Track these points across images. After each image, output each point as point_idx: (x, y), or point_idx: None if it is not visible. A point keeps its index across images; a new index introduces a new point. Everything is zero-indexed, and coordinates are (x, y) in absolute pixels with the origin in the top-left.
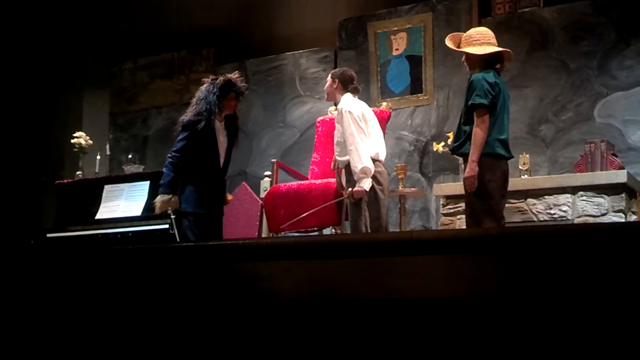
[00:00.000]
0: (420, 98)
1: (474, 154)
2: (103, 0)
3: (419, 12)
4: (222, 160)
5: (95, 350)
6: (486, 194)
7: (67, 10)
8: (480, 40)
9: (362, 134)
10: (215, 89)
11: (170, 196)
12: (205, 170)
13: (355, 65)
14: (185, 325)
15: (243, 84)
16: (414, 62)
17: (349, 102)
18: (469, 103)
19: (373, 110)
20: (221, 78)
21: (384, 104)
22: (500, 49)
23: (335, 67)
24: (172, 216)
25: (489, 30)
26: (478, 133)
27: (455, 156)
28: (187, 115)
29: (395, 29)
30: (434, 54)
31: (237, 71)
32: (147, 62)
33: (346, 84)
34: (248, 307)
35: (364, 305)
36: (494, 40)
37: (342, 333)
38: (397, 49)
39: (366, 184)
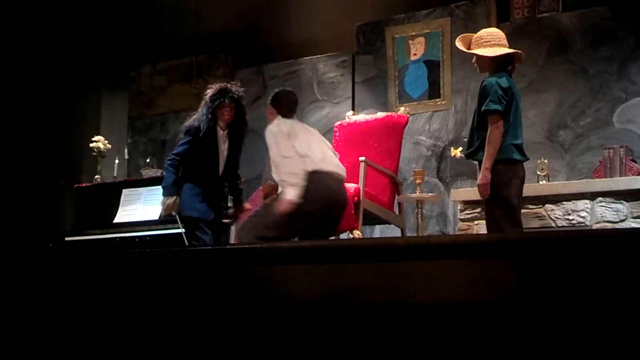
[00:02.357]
0: (438, 103)
1: (487, 161)
2: (122, 5)
3: (437, 17)
4: (221, 168)
5: (113, 352)
6: (505, 201)
7: (86, 14)
8: (490, 42)
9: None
10: (208, 97)
11: (174, 197)
12: (202, 177)
13: (373, 70)
14: (201, 328)
15: (237, 90)
16: (432, 67)
17: (274, 123)
18: (483, 109)
19: (390, 115)
20: (215, 85)
21: (402, 108)
22: (511, 50)
23: (353, 72)
24: (178, 219)
25: (499, 31)
26: (492, 139)
27: (471, 161)
28: (189, 122)
29: (414, 33)
30: (452, 59)
31: (236, 80)
32: (165, 66)
33: (279, 108)
34: (264, 311)
35: (381, 309)
36: (505, 42)
37: (359, 337)
38: (415, 54)
39: (288, 196)
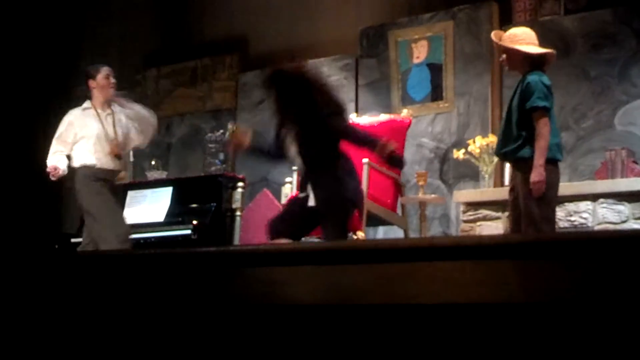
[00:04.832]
0: (441, 106)
1: (540, 158)
2: (127, 9)
3: (440, 20)
4: None
5: (119, 355)
6: (549, 201)
7: (90, 17)
8: (525, 40)
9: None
10: None
11: None
12: None
13: (376, 73)
14: (204, 330)
15: None
16: (435, 70)
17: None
18: (531, 105)
19: (393, 118)
20: None
21: (405, 111)
22: (549, 50)
23: (357, 75)
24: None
25: (531, 30)
26: (544, 135)
27: (506, 160)
28: None
29: (417, 37)
30: (455, 62)
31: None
32: (170, 70)
33: None
34: (266, 313)
35: (383, 311)
36: (537, 42)
37: (361, 339)
38: (418, 57)
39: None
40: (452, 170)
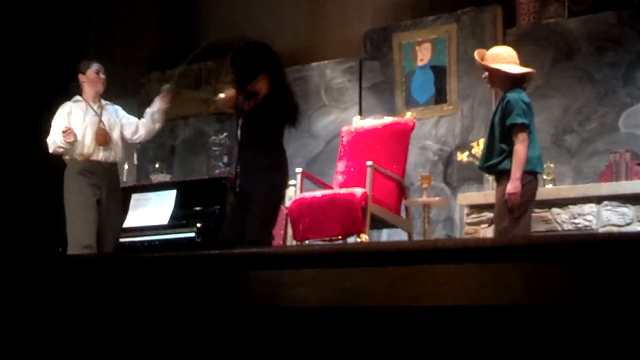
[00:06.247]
0: (445, 108)
1: (517, 171)
2: (132, 13)
3: (443, 23)
4: None
5: (120, 358)
6: (524, 210)
7: (94, 21)
8: (507, 59)
9: None
10: None
11: None
12: None
13: (380, 76)
14: (210, 332)
15: None
16: (439, 72)
17: None
18: (510, 122)
19: (397, 120)
20: None
21: (409, 114)
22: (530, 70)
23: (361, 78)
24: None
25: (513, 49)
26: (521, 151)
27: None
28: None
29: (420, 39)
30: (459, 65)
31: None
32: (174, 73)
33: None
34: (271, 315)
35: (387, 313)
36: (517, 61)
37: (366, 341)
38: (421, 60)
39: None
40: (456, 173)
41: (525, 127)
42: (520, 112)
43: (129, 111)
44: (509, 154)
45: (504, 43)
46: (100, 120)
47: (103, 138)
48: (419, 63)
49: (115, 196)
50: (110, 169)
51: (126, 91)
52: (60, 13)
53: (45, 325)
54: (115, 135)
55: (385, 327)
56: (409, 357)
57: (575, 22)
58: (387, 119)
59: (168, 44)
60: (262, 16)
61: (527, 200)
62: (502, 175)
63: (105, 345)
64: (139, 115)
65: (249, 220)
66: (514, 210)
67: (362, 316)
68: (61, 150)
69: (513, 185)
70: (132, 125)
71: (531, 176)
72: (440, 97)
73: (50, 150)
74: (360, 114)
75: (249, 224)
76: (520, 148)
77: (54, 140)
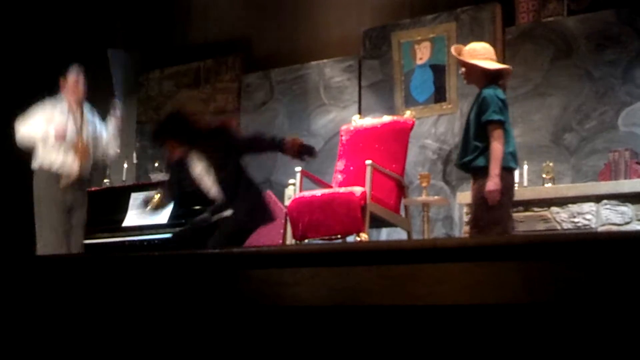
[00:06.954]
0: (444, 107)
1: (496, 168)
2: (130, 10)
3: (442, 21)
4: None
5: (122, 357)
6: (501, 206)
7: (94, 20)
8: (484, 55)
9: None
10: None
11: None
12: None
13: (379, 74)
14: (208, 332)
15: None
16: (438, 71)
17: None
18: (486, 119)
19: (396, 119)
20: None
21: (408, 112)
22: (506, 66)
23: (360, 76)
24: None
25: (490, 46)
26: (498, 147)
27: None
28: None
29: (419, 38)
30: (458, 63)
31: None
32: (173, 71)
33: None
34: (270, 314)
35: (387, 312)
36: (495, 57)
37: (365, 340)
38: (421, 58)
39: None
40: (455, 172)
41: (501, 124)
42: (496, 109)
43: (129, 110)
44: (483, 151)
45: (503, 42)
46: (82, 133)
47: (84, 156)
48: (419, 62)
49: (83, 200)
50: (79, 180)
51: (125, 90)
52: (58, 13)
53: (46, 325)
54: (95, 150)
55: (384, 325)
56: (409, 356)
57: (575, 21)
58: (387, 118)
59: (166, 43)
60: (260, 15)
61: (504, 195)
62: (476, 172)
63: (105, 345)
64: (139, 114)
65: None
66: (491, 206)
67: (362, 315)
68: (36, 146)
69: (492, 183)
70: (101, 148)
71: (505, 172)
72: (439, 95)
73: (21, 140)
74: (359, 112)
75: None
76: (496, 145)
77: (37, 134)
